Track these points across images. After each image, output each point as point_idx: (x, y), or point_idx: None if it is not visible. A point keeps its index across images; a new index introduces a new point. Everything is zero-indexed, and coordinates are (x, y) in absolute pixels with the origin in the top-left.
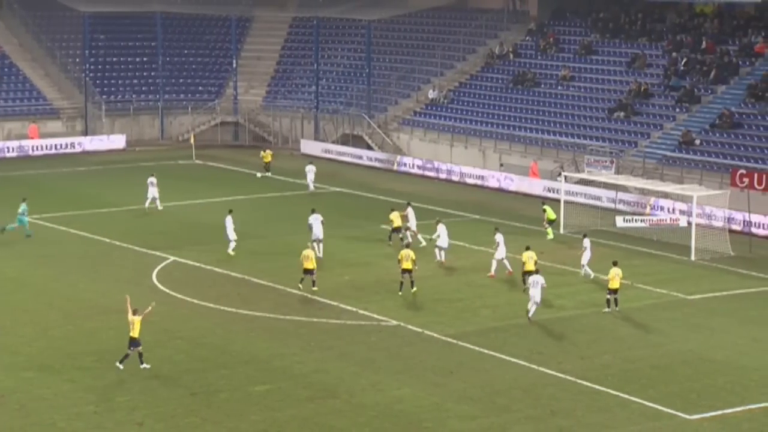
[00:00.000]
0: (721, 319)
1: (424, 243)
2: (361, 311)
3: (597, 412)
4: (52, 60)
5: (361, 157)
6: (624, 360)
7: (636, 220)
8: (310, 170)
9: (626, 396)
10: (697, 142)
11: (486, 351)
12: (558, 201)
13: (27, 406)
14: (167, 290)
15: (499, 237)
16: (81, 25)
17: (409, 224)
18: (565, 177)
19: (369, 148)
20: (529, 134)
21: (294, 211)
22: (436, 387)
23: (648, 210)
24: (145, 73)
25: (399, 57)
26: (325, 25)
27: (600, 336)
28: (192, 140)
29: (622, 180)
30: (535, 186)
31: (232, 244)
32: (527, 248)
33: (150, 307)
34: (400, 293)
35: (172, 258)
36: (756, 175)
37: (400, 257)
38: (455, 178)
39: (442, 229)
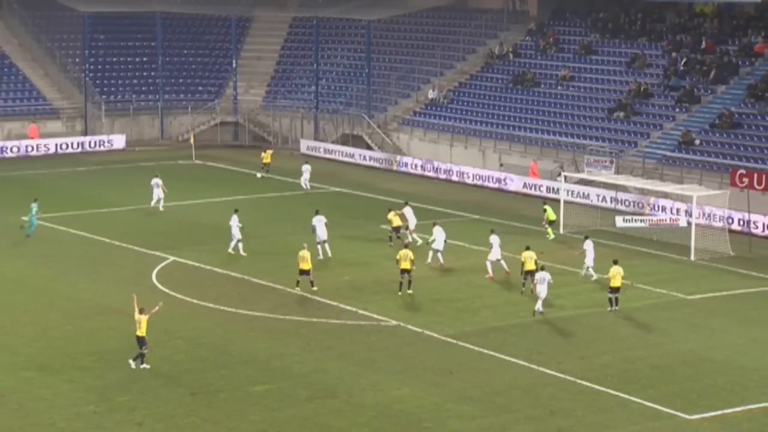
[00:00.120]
0: (721, 319)
1: (419, 242)
2: (361, 311)
3: (597, 412)
4: (52, 60)
5: (361, 157)
6: (624, 360)
7: (636, 220)
8: (306, 170)
9: (626, 396)
10: (697, 142)
11: (486, 351)
12: (558, 201)
13: (27, 406)
14: (167, 290)
15: (493, 239)
16: (81, 25)
17: (407, 223)
18: (565, 177)
19: (369, 148)
20: (528, 134)
21: (294, 211)
22: (435, 387)
23: (648, 210)
24: (144, 73)
25: (399, 57)
26: (325, 25)
27: (600, 336)
28: (192, 140)
29: (621, 180)
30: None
31: (233, 243)
32: (527, 248)
33: (157, 307)
34: (399, 293)
35: (171, 258)
36: (756, 175)
37: (398, 257)
38: (455, 178)
39: (438, 231)
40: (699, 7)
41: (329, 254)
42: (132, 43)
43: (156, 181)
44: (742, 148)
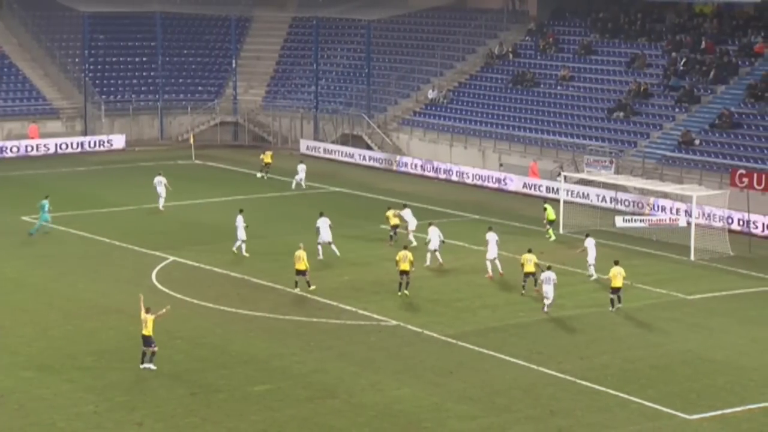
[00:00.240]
0: (721, 319)
1: (414, 243)
2: (361, 311)
3: (596, 412)
4: (52, 60)
5: (360, 157)
6: (623, 360)
7: (636, 220)
8: (302, 169)
9: (626, 396)
10: (697, 142)
11: (485, 351)
12: (557, 201)
13: (26, 406)
14: (167, 290)
15: (490, 236)
16: (80, 25)
17: (406, 225)
18: (565, 177)
19: (369, 148)
20: (528, 134)
21: (294, 211)
22: (435, 387)
23: (647, 210)
24: (144, 73)
25: (399, 57)
26: (325, 25)
27: (600, 336)
28: (191, 140)
29: (621, 180)
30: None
31: (237, 243)
32: (529, 251)
33: (164, 310)
34: (399, 294)
35: (171, 258)
36: (755, 175)
37: (398, 258)
38: (455, 178)
39: (432, 232)
40: (699, 7)
41: (337, 253)
42: (132, 43)
43: (159, 179)
44: (741, 148)
